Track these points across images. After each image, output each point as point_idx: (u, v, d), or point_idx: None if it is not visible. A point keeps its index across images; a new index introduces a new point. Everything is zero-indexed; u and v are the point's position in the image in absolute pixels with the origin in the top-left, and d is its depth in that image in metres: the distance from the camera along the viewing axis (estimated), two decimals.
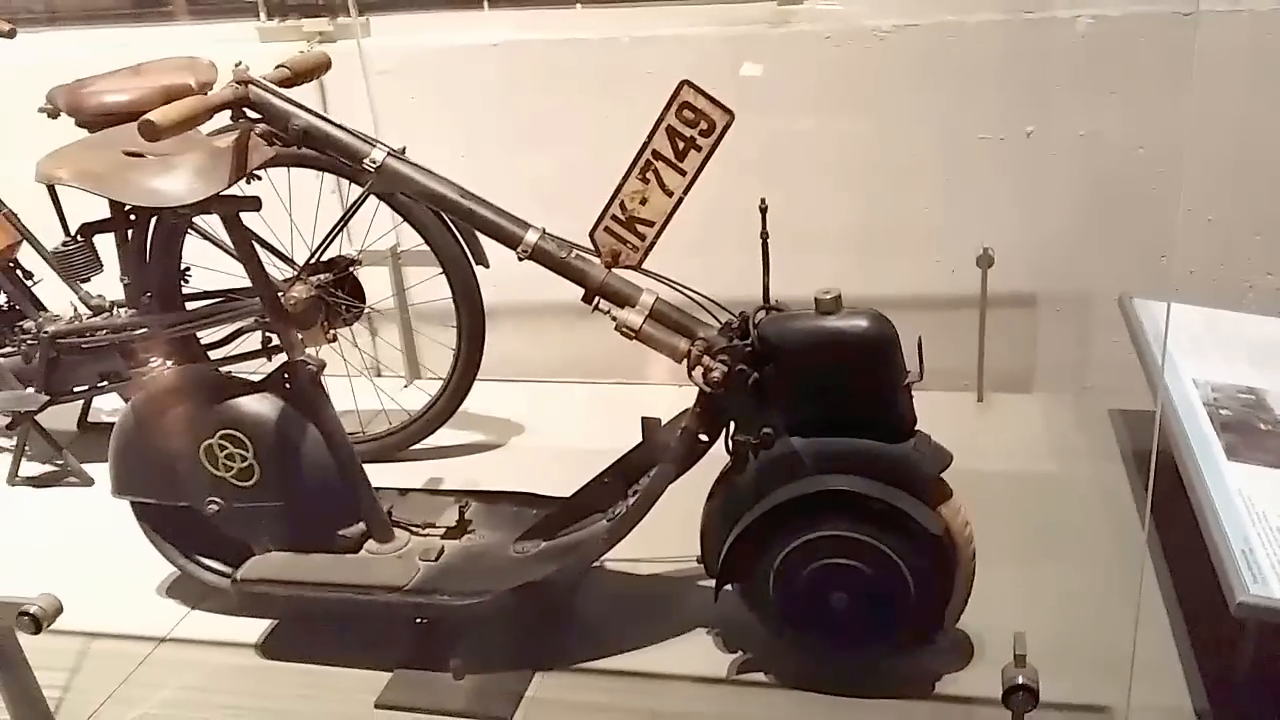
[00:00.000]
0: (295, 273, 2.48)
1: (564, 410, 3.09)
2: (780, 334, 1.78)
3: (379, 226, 2.88)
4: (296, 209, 2.67)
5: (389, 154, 1.84)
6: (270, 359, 2.75)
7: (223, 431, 2.09)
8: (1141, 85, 2.69)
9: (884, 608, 1.84)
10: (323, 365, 2.07)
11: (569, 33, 3.00)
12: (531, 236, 1.84)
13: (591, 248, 1.85)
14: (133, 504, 2.24)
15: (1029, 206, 2.84)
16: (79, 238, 2.11)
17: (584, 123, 2.96)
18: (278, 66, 1.96)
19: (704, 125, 1.73)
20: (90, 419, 3.13)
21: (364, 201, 2.50)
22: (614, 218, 1.82)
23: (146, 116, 1.66)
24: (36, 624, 1.76)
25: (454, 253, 2.58)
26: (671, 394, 3.03)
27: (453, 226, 2.55)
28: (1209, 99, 2.65)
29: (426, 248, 2.63)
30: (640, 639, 2.12)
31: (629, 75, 2.92)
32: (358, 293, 2.69)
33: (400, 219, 2.58)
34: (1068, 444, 2.68)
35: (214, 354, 2.83)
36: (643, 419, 1.99)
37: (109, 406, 3.17)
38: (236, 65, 1.85)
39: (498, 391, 3.04)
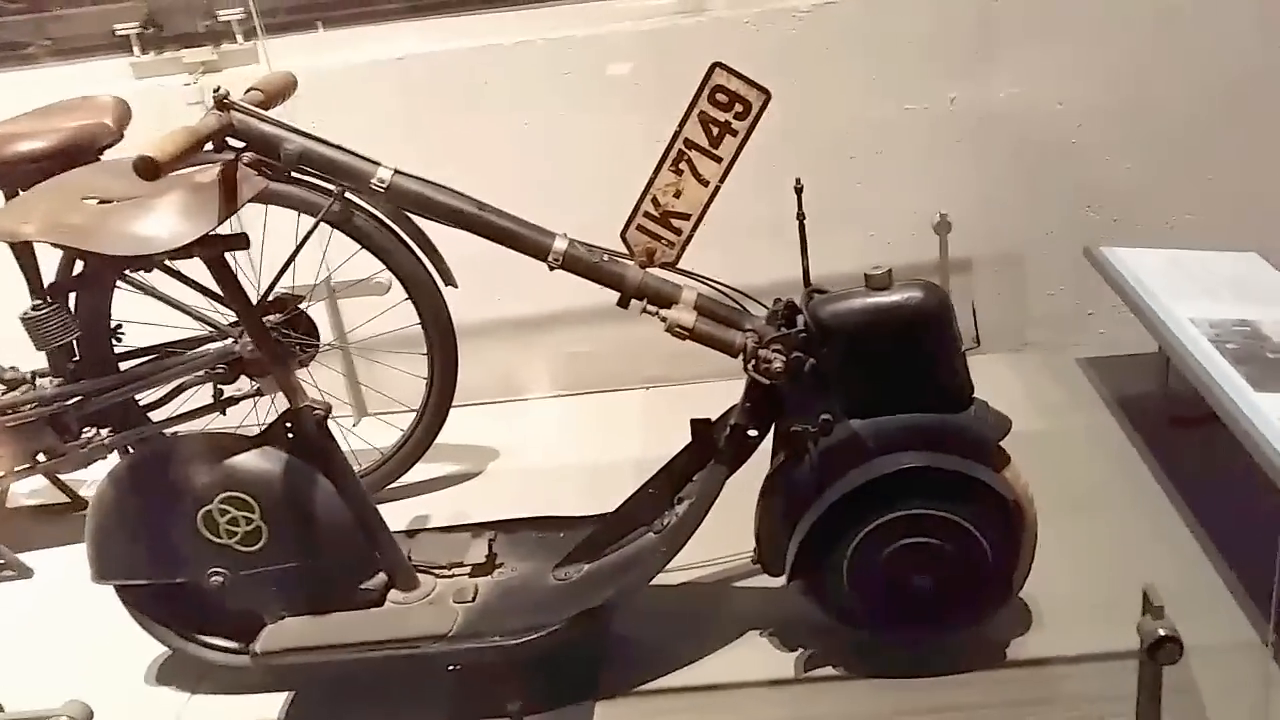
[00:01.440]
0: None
1: (533, 429, 2.98)
2: (835, 315, 1.73)
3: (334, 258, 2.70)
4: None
5: (395, 172, 1.71)
6: (224, 412, 2.55)
7: (224, 495, 1.91)
8: (1053, 45, 2.75)
9: (964, 582, 1.80)
10: (329, 409, 1.92)
11: (479, 40, 2.89)
12: (560, 244, 1.74)
13: (623, 250, 1.76)
14: (118, 589, 2.03)
15: (960, 171, 2.88)
16: (49, 299, 1.88)
17: (506, 132, 2.86)
18: (249, 90, 1.80)
19: (739, 108, 1.66)
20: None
21: (313, 233, 2.35)
22: (646, 214, 1.74)
23: (144, 154, 1.49)
24: None
25: (421, 277, 2.44)
26: (639, 398, 3.02)
27: (415, 249, 2.41)
28: (1116, 53, 2.74)
29: (373, 277, 2.49)
30: (694, 651, 2.04)
31: (547, 79, 2.84)
32: (311, 331, 2.53)
33: (360, 247, 2.41)
34: (1050, 399, 2.71)
35: (154, 414, 2.60)
36: (692, 421, 1.91)
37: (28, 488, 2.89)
38: (215, 90, 1.68)
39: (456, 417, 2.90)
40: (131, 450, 1.97)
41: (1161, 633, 1.42)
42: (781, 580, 2.00)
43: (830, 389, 1.76)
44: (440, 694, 2.01)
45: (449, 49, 2.90)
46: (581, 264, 1.73)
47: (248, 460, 1.92)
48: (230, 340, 2.41)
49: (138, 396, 2.55)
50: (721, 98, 1.65)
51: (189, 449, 1.95)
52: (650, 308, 1.71)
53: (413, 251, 2.42)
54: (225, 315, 2.44)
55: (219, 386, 2.53)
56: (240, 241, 1.76)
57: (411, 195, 1.71)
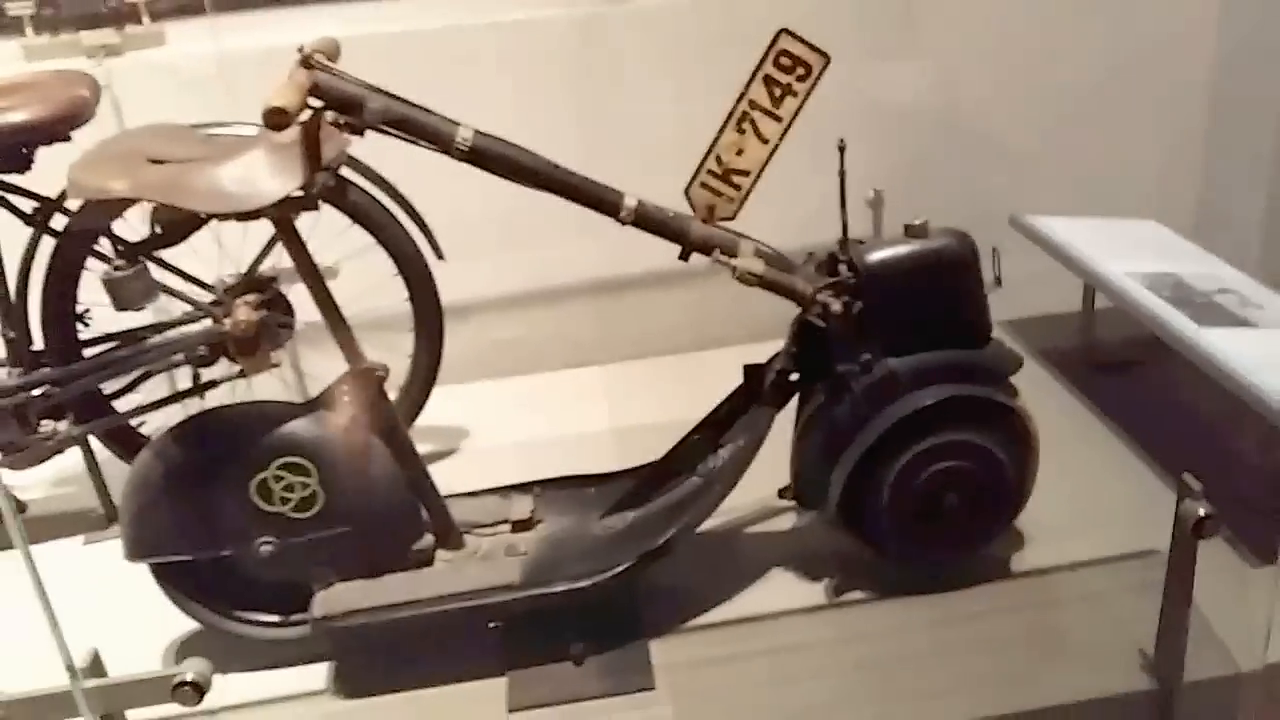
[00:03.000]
0: (224, 294, 2.29)
1: (500, 407, 3.02)
2: (882, 261, 1.91)
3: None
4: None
5: (476, 132, 1.77)
6: (203, 397, 2.50)
7: (281, 461, 1.91)
8: (968, 26, 3.03)
9: (990, 501, 2.01)
10: (388, 370, 1.95)
11: (402, 24, 2.88)
12: (631, 201, 1.84)
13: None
14: (154, 567, 1.98)
15: (882, 149, 3.09)
16: (131, 260, 1.81)
17: None
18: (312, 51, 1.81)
19: (800, 71, 1.81)
20: None
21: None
22: (709, 172, 1.87)
23: (275, 104, 1.51)
24: (199, 690, 1.55)
25: (410, 251, 2.47)
26: (594, 375, 3.11)
27: (403, 223, 2.44)
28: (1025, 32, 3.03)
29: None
30: (726, 588, 2.16)
31: (476, 64, 2.86)
32: (289, 310, 2.51)
33: (351, 221, 2.42)
34: None
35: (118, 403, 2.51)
36: (745, 366, 2.04)
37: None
38: (299, 49, 1.70)
39: None
40: (178, 422, 1.92)
41: (1202, 512, 1.66)
42: (809, 515, 2.18)
43: (870, 331, 1.93)
44: (492, 647, 2.05)
45: (372, 33, 2.82)
46: (651, 219, 1.84)
47: (306, 425, 1.92)
48: (212, 320, 2.38)
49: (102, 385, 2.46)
50: (785, 61, 1.80)
51: (241, 416, 1.93)
52: (721, 257, 1.83)
53: (402, 228, 2.45)
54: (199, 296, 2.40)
55: (196, 371, 2.48)
56: (311, 203, 1.77)
57: (494, 155, 1.77)
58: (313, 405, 1.95)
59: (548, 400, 3.01)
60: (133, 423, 2.53)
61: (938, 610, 2.08)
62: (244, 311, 2.27)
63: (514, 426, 2.88)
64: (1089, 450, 2.49)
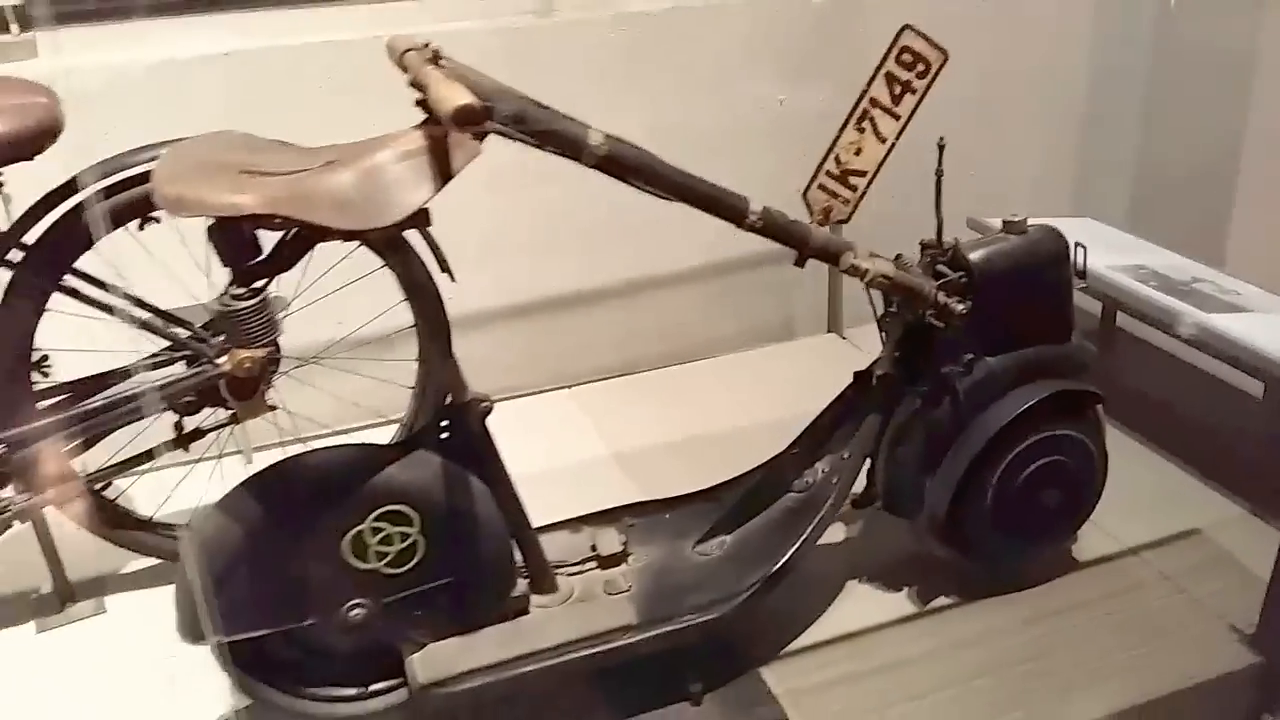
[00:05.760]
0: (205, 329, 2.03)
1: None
2: (988, 259, 1.90)
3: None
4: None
5: (607, 136, 1.63)
6: (187, 448, 2.19)
7: (380, 511, 1.68)
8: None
9: (1084, 492, 2.04)
10: (493, 402, 1.76)
11: (314, 36, 2.64)
12: (757, 206, 1.74)
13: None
14: (216, 649, 1.70)
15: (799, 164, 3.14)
16: (250, 288, 1.50)
17: (345, 133, 2.62)
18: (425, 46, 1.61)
19: (920, 67, 1.78)
20: None
21: None
22: (828, 173, 1.81)
23: (464, 102, 1.32)
24: None
25: (421, 277, 2.25)
26: (561, 399, 2.95)
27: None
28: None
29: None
30: (813, 606, 2.10)
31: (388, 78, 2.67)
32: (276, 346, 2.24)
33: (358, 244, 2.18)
34: None
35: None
36: (855, 373, 1.97)
37: None
38: (425, 45, 1.51)
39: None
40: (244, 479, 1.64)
41: None
42: (860, 523, 2.16)
43: (972, 329, 1.92)
44: (597, 698, 1.90)
45: (279, 45, 2.62)
46: (775, 224, 1.75)
47: (405, 468, 1.70)
48: (196, 361, 2.09)
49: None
50: (907, 58, 1.76)
51: (329, 463, 1.69)
52: (857, 262, 1.76)
53: (413, 249, 2.23)
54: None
55: (181, 418, 2.17)
56: (422, 219, 1.56)
57: (629, 160, 1.63)
58: (409, 445, 1.73)
59: (529, 425, 2.83)
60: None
61: (1025, 609, 2.08)
62: (246, 349, 2.01)
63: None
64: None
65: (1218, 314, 2.39)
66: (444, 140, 1.52)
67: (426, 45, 1.52)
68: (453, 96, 1.33)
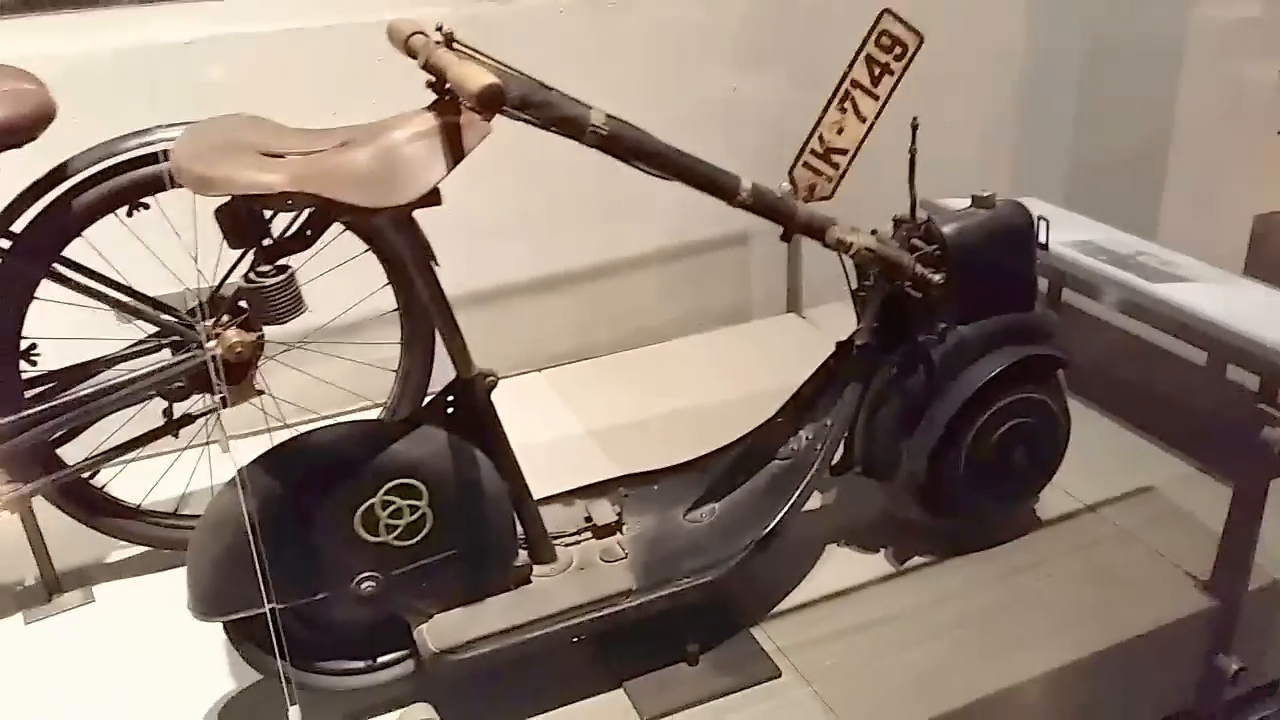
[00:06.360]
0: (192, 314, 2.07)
1: None
2: (960, 232, 1.99)
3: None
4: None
5: (608, 116, 1.69)
6: (176, 434, 2.20)
7: (391, 484, 1.72)
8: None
9: (1049, 452, 2.16)
10: (498, 377, 1.81)
11: (263, 25, 2.61)
12: (747, 183, 1.82)
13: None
14: (229, 625, 1.74)
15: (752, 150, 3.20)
16: (277, 265, 1.51)
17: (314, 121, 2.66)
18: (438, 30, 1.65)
19: (898, 50, 1.87)
20: None
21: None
22: (812, 151, 1.88)
23: (490, 83, 1.37)
24: None
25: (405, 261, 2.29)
26: (534, 381, 2.99)
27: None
28: None
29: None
30: (794, 568, 2.18)
31: (363, 64, 2.54)
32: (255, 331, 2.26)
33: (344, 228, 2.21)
34: None
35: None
36: (837, 343, 2.05)
37: None
38: (439, 28, 1.55)
39: None
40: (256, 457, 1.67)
41: None
42: (833, 489, 2.29)
43: (944, 300, 2.02)
44: (596, 661, 1.96)
45: (247, 33, 2.61)
46: (764, 201, 1.82)
47: (414, 442, 1.75)
48: (184, 346, 2.11)
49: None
50: (885, 40, 1.85)
51: (340, 439, 1.72)
52: (842, 236, 1.84)
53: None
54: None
55: (171, 404, 2.19)
56: (434, 198, 1.61)
57: (629, 140, 1.69)
58: (415, 420, 1.77)
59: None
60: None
61: (998, 564, 2.19)
62: (235, 333, 2.05)
63: None
64: None
65: (1163, 284, 2.52)
66: (456, 120, 1.57)
67: (439, 28, 1.56)
68: (477, 77, 1.38)
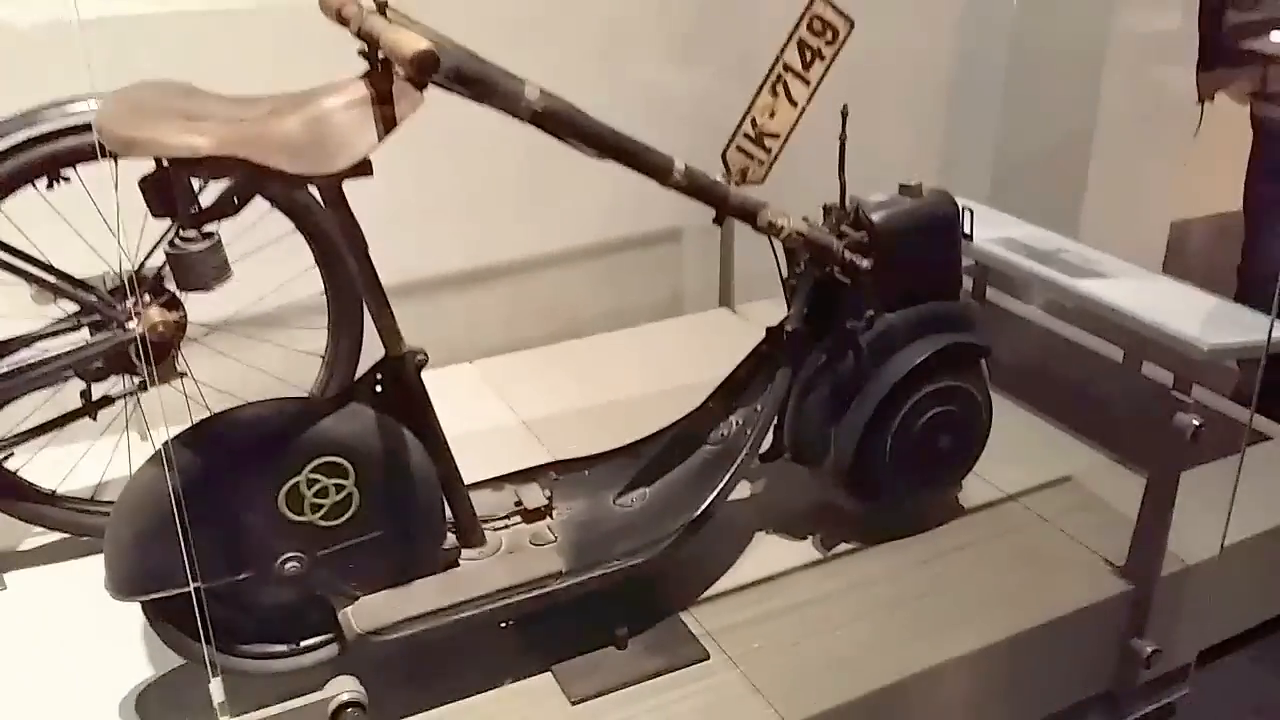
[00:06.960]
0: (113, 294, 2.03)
1: None
2: (888, 219, 2.02)
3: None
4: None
5: (542, 92, 1.69)
6: (95, 416, 2.15)
7: (316, 462, 1.70)
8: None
9: (973, 440, 2.20)
10: (427, 356, 1.79)
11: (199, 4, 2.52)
12: (681, 165, 1.83)
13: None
14: (147, 605, 1.70)
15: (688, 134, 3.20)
16: (202, 231, 1.46)
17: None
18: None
19: (829, 35, 1.89)
20: None
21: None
22: (745, 135, 1.90)
23: (423, 48, 1.36)
24: (364, 709, 1.37)
25: (333, 240, 2.26)
26: (465, 372, 2.96)
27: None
28: None
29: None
30: (721, 555, 2.19)
31: (307, 45, 2.56)
32: (179, 307, 2.22)
33: (270, 205, 2.17)
34: None
35: None
36: (768, 329, 2.07)
37: None
38: None
39: None
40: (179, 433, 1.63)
41: (1195, 423, 1.91)
42: (763, 478, 2.32)
43: (872, 287, 2.04)
44: (524, 644, 1.95)
45: (186, 10, 2.50)
46: (697, 183, 1.83)
47: (341, 420, 1.72)
48: (102, 325, 2.07)
49: None
50: (817, 25, 1.87)
51: (264, 417, 1.69)
52: (773, 219, 1.86)
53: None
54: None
55: (88, 384, 2.13)
56: (365, 168, 1.59)
57: (563, 116, 1.68)
58: (343, 398, 1.75)
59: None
60: None
61: (920, 550, 2.22)
62: (158, 312, 2.01)
63: None
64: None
65: (1083, 280, 2.58)
66: (388, 89, 1.55)
67: None
68: (411, 42, 1.37)
